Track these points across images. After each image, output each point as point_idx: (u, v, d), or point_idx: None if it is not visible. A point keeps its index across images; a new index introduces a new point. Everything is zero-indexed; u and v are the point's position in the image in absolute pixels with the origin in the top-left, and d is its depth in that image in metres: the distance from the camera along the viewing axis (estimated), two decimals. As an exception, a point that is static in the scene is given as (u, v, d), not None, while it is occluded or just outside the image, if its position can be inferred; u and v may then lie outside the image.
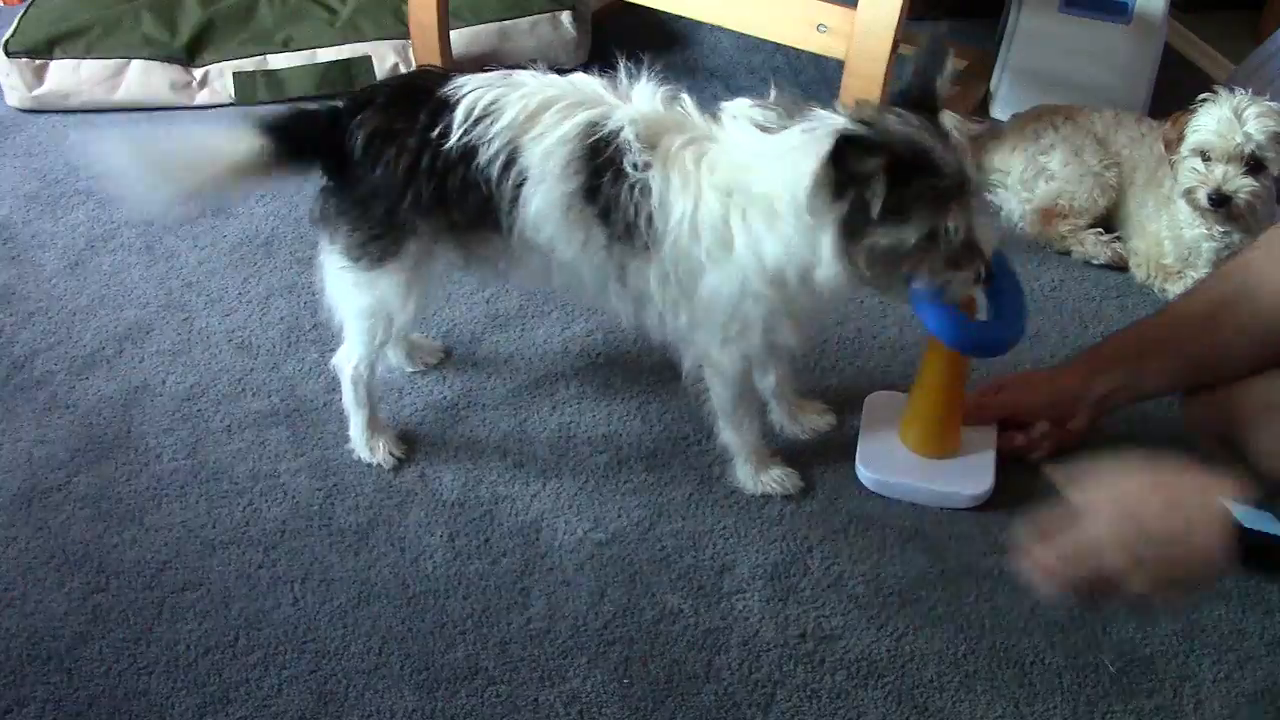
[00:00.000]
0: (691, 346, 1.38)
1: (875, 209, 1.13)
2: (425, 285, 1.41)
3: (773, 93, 1.28)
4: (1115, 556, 0.96)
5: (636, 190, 1.23)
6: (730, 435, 1.48)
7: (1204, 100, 1.83)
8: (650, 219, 1.24)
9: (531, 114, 1.25)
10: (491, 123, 1.25)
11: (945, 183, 1.16)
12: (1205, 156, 1.80)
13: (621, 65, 1.29)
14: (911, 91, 1.21)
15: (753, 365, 1.42)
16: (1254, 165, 1.78)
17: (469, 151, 1.26)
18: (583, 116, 1.25)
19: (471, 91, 1.27)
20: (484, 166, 1.26)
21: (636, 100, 1.27)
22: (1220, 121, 1.78)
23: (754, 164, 1.21)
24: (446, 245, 1.37)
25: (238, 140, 1.29)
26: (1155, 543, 0.95)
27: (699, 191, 1.23)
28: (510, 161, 1.26)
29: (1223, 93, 1.81)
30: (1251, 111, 1.77)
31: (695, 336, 1.36)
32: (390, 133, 1.28)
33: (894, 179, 1.12)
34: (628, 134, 1.23)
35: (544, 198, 1.26)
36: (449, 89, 1.29)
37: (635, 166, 1.22)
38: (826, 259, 1.18)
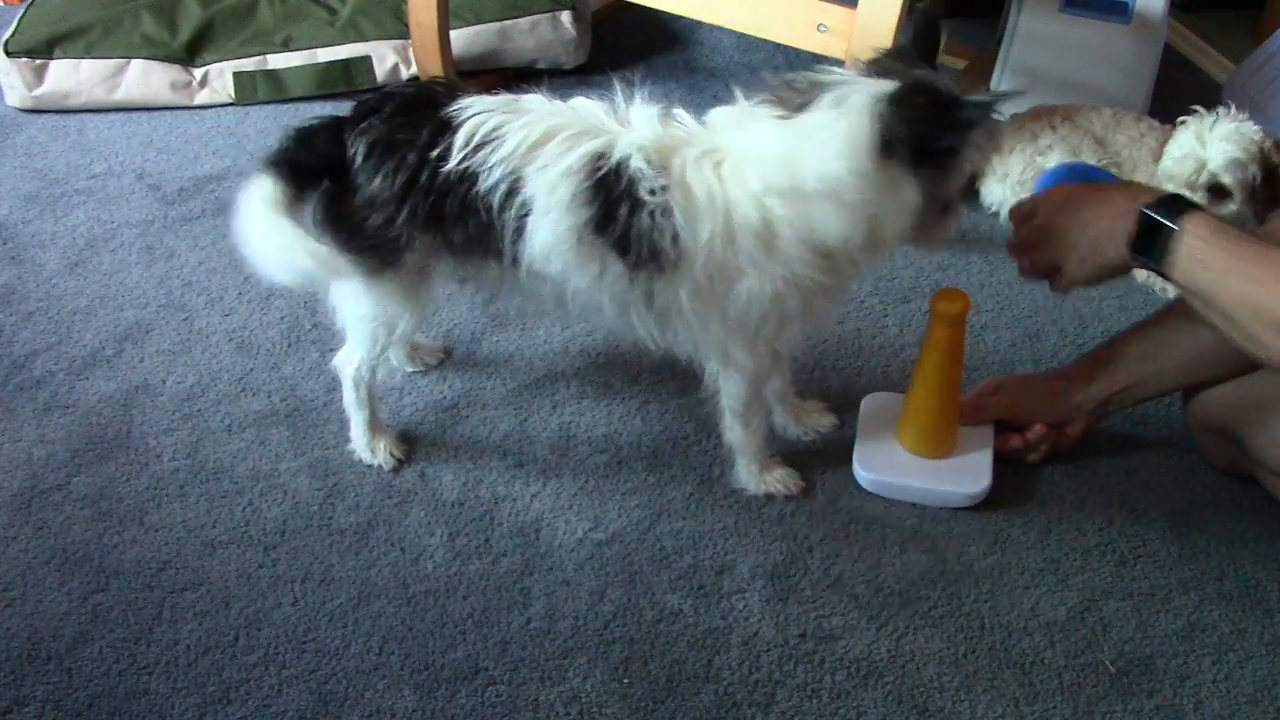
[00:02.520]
0: (715, 352, 1.38)
1: (936, 143, 1.16)
2: (427, 296, 1.40)
3: (739, 91, 1.27)
4: (1057, 243, 1.31)
5: (657, 214, 1.22)
6: (739, 435, 1.48)
7: (1182, 123, 1.85)
8: (676, 238, 1.22)
9: (534, 144, 1.24)
10: (492, 150, 1.24)
11: (968, 114, 1.17)
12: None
13: (617, 84, 1.28)
14: (912, 49, 1.24)
15: (773, 363, 1.41)
16: (1218, 190, 1.79)
17: (468, 176, 1.25)
18: (586, 148, 1.23)
19: (474, 115, 1.26)
20: (484, 194, 1.25)
21: (636, 124, 1.25)
22: (1181, 147, 1.80)
23: (797, 151, 1.18)
24: (443, 263, 1.37)
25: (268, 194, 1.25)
26: (1085, 232, 1.28)
27: (729, 202, 1.22)
28: (512, 191, 1.24)
29: (1201, 112, 1.83)
30: (1217, 133, 1.78)
31: (722, 342, 1.35)
32: (391, 144, 1.27)
33: (943, 119, 1.15)
34: (637, 162, 1.22)
35: (551, 230, 1.25)
36: (454, 109, 1.27)
37: (652, 192, 1.21)
38: (909, 207, 1.19)
